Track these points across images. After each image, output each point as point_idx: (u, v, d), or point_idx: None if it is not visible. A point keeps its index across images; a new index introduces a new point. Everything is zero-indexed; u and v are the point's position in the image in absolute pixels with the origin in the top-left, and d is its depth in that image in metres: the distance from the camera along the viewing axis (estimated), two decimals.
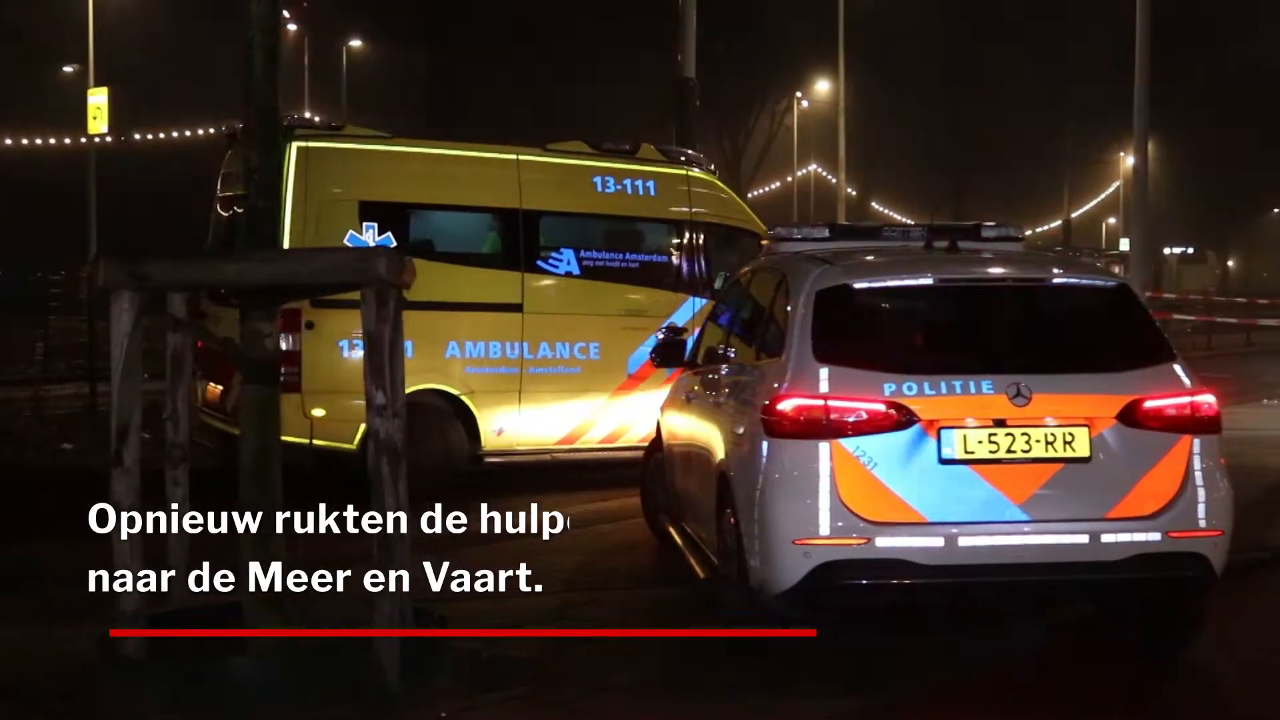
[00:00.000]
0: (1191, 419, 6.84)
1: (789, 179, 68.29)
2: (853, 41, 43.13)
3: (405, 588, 6.34)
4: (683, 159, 14.65)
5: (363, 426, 11.22)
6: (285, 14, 50.84)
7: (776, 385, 6.87)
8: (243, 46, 6.56)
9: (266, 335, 6.55)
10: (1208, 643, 7.79)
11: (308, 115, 12.16)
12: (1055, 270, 7.49)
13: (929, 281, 7.18)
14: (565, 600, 8.51)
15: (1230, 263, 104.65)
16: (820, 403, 6.63)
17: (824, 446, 6.57)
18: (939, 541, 6.52)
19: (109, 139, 41.71)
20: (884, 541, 6.50)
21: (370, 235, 12.22)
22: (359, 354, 10.88)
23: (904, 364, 6.76)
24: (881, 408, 6.58)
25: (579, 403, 13.18)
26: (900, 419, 6.57)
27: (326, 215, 12.14)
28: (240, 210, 12.29)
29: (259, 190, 6.55)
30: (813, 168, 69.14)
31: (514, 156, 13.44)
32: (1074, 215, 79.16)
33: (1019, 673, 7.22)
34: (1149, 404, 6.76)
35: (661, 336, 9.66)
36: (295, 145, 12.07)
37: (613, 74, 57.35)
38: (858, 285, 7.15)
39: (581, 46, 57.92)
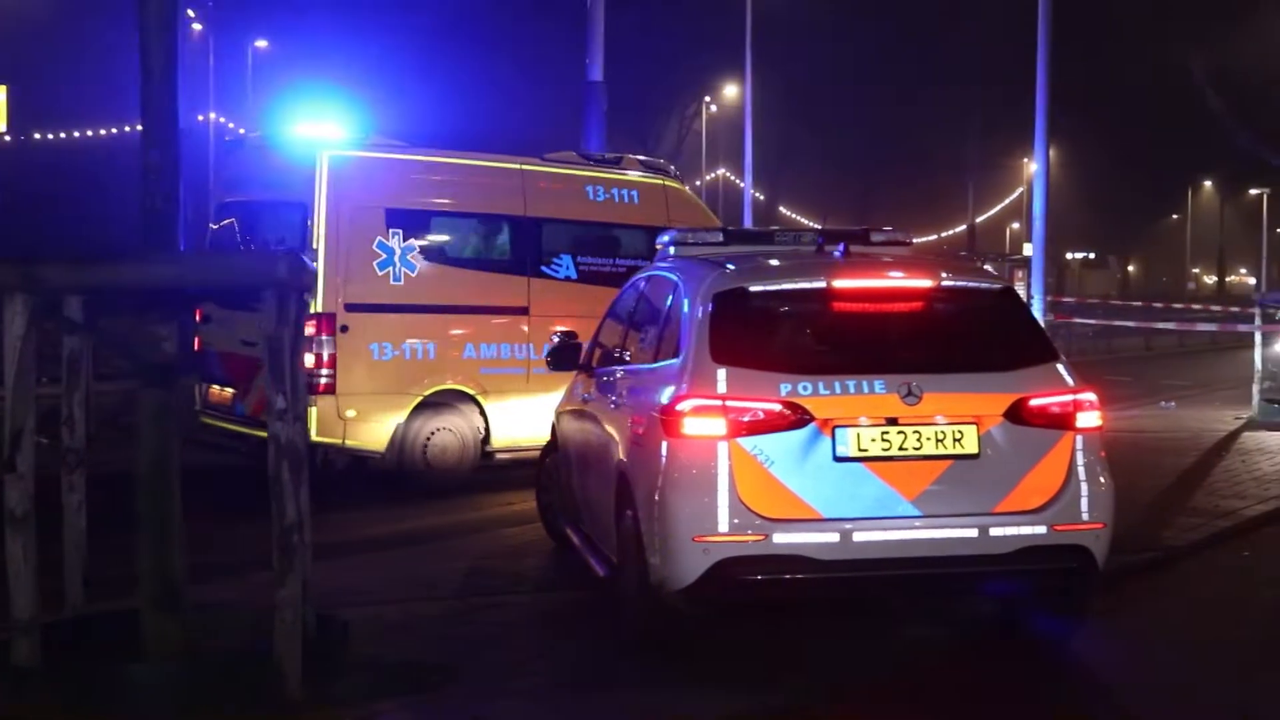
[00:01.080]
0: (1074, 416, 7.09)
1: (698, 183, 68.53)
2: (761, 46, 43.33)
3: (307, 594, 6.28)
4: (658, 170, 15.30)
5: (393, 428, 12.59)
6: (190, 13, 50.45)
7: (675, 387, 6.99)
8: (141, 45, 6.46)
9: (164, 339, 6.44)
10: (1101, 640, 7.93)
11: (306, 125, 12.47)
12: (943, 273, 7.62)
13: (823, 284, 7.35)
14: (470, 604, 8.47)
15: (1131, 267, 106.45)
16: (718, 403, 6.77)
17: (722, 446, 6.72)
18: (834, 537, 6.69)
19: (7, 138, 41.01)
20: (781, 538, 6.68)
21: (396, 241, 12.65)
22: (390, 356, 12.46)
23: (799, 365, 6.93)
24: (778, 407, 6.75)
25: None
26: (796, 418, 6.74)
27: (356, 222, 12.46)
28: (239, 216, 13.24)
29: (158, 192, 6.45)
30: (721, 172, 69.49)
31: (518, 166, 13.95)
32: (979, 220, 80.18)
33: (917, 669, 7.36)
34: (1034, 402, 6.99)
35: (556, 340, 9.69)
36: (326, 155, 12.41)
37: (530, 76, 57.26)
38: (753, 288, 7.34)
39: (493, 48, 57.79)
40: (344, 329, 12.19)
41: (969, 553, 6.84)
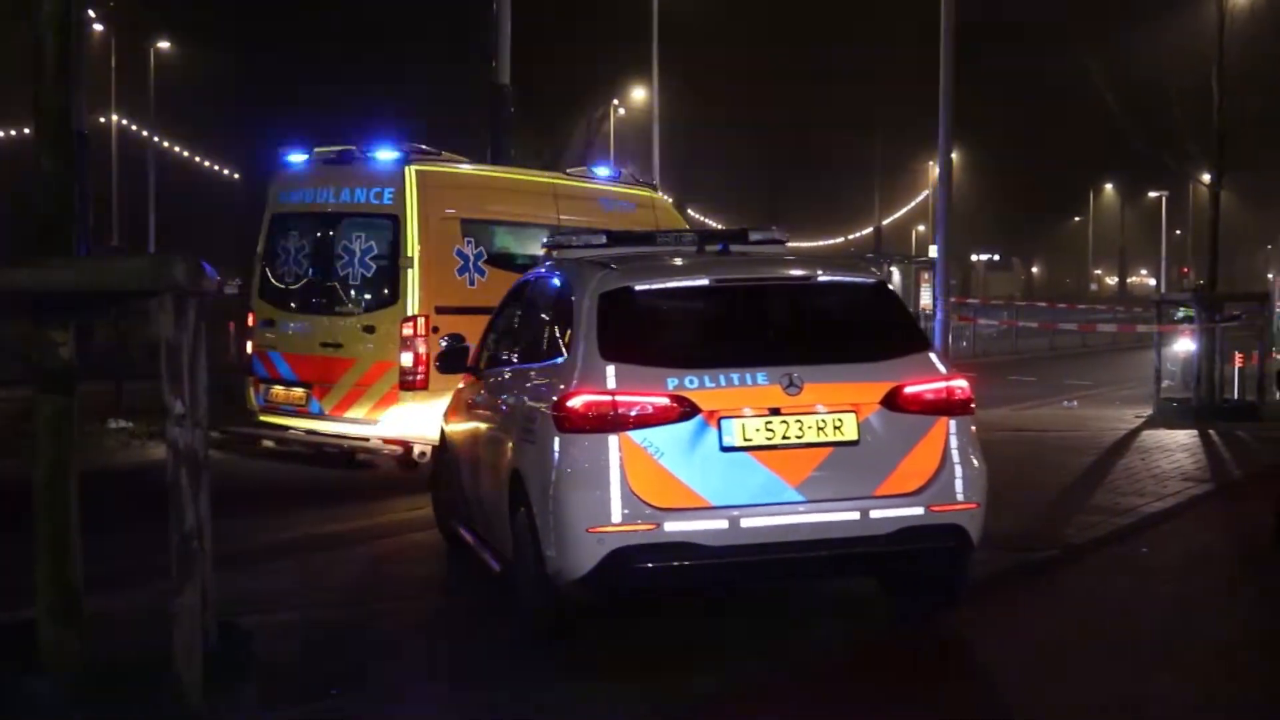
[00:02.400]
0: (947, 402, 7.42)
1: None
2: (667, 50, 43.44)
3: (207, 602, 6.20)
4: (645, 184, 17.16)
5: None
6: (91, 14, 49.68)
7: (565, 383, 7.23)
8: (34, 46, 6.34)
9: (61, 345, 6.33)
10: (1002, 637, 8.02)
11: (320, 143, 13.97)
12: (819, 269, 8.02)
13: (705, 282, 7.69)
14: (373, 610, 8.42)
15: (1035, 269, 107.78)
16: (608, 398, 7.01)
17: (613, 439, 6.95)
18: (723, 524, 6.94)
19: None
20: (672, 526, 6.89)
21: (469, 248, 13.85)
22: (460, 346, 12.78)
23: (685, 359, 7.17)
24: (665, 401, 6.98)
25: None
26: (683, 411, 6.98)
27: (440, 231, 13.54)
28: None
29: (52, 197, 6.34)
30: (628, 174, 69.54)
31: (550, 180, 15.61)
32: (885, 222, 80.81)
33: (811, 653, 7.59)
34: (909, 389, 7.32)
35: (445, 344, 9.97)
36: (414, 169, 13.56)
37: (430, 77, 56.96)
38: (638, 287, 7.60)
39: (397, 49, 57.42)
40: (434, 329, 12.93)
41: (851, 535, 7.13)
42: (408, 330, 13.10)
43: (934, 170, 25.25)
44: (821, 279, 7.91)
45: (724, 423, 7.00)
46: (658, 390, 7.01)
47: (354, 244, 13.92)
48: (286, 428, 14.10)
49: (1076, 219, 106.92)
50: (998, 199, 78.42)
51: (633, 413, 6.97)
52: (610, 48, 57.28)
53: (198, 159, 59.79)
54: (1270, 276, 57.18)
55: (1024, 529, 10.97)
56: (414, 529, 11.46)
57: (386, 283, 13.53)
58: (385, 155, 13.85)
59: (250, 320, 14.97)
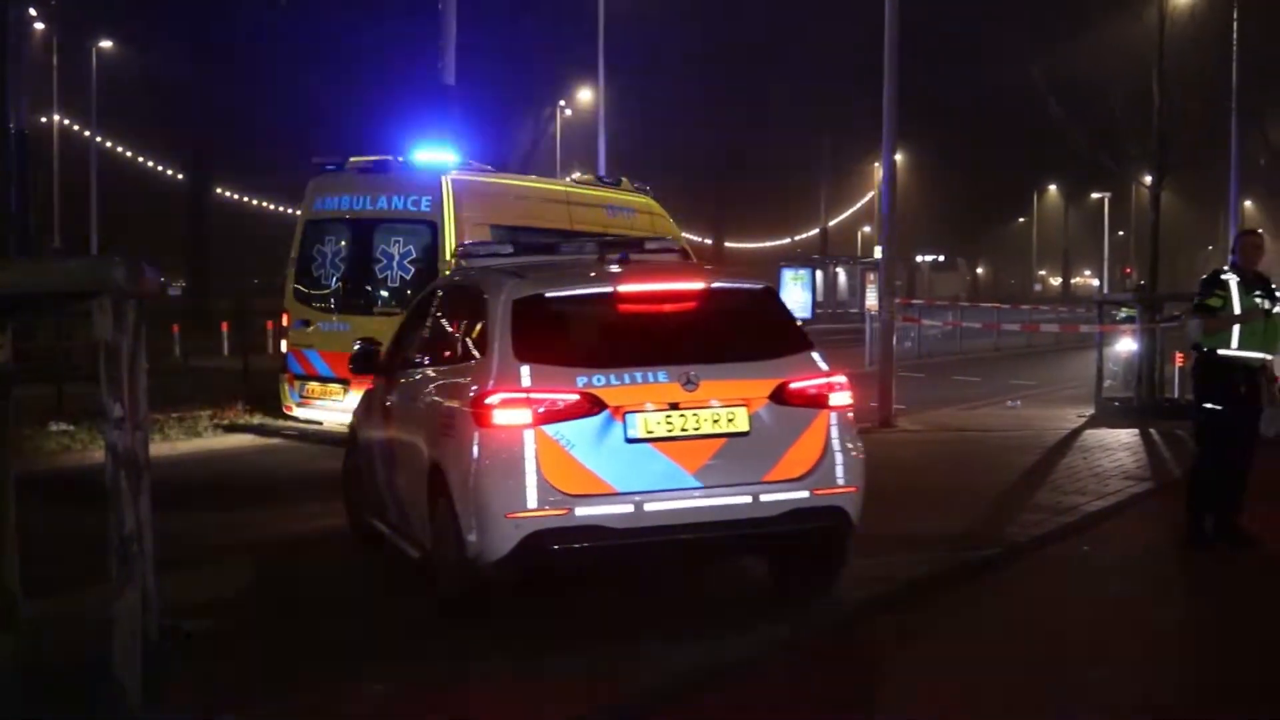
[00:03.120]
0: (828, 397, 8.04)
1: None
2: (614, 52, 43.44)
3: (147, 605, 6.17)
4: (642, 190, 18.16)
5: None
6: (32, 12, 49.18)
7: (482, 383, 7.73)
8: None
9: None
10: (943, 634, 8.08)
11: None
12: (713, 276, 8.70)
13: (610, 289, 8.24)
14: (312, 613, 8.39)
15: (980, 269, 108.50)
16: (523, 395, 7.54)
17: (528, 433, 7.47)
18: (629, 509, 7.51)
19: None
20: (582, 511, 7.46)
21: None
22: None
23: (592, 359, 7.76)
24: (575, 398, 7.54)
25: None
26: (591, 407, 7.54)
27: (472, 236, 14.06)
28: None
29: None
30: (576, 175, 69.50)
31: (564, 188, 16.86)
32: (832, 224, 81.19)
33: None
34: (794, 385, 7.94)
35: (358, 347, 10.30)
36: (450, 179, 14.73)
37: (377, 77, 56.73)
38: (548, 294, 8.16)
39: (342, 51, 57.20)
40: None
41: (744, 517, 7.75)
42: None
43: (880, 172, 25.56)
44: (715, 286, 8.50)
45: (628, 417, 7.56)
46: (568, 388, 7.55)
47: (392, 248, 14.87)
48: (320, 422, 15.19)
49: (1021, 220, 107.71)
50: (943, 200, 78.92)
51: (545, 409, 7.49)
52: (558, 49, 57.26)
53: (141, 159, 59.40)
54: None
55: (967, 528, 11.05)
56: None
57: (425, 284, 13.65)
58: (422, 165, 14.85)
59: (285, 320, 15.77)
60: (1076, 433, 18.16)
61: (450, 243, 14.17)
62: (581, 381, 7.57)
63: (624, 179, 17.82)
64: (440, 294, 9.68)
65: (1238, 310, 10.30)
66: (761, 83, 67.48)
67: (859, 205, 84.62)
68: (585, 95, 60.65)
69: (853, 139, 66.69)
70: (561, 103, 66.16)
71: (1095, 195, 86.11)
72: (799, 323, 8.72)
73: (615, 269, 8.56)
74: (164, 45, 54.25)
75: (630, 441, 7.54)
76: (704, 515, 7.65)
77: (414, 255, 14.75)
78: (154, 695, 6.13)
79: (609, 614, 8.34)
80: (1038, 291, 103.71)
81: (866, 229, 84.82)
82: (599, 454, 7.49)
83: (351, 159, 15.58)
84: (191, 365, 29.07)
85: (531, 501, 7.41)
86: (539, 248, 9.64)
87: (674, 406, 7.63)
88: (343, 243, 15.36)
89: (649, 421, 7.58)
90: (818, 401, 7.99)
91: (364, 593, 9.15)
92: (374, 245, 15.02)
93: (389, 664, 7.12)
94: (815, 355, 8.22)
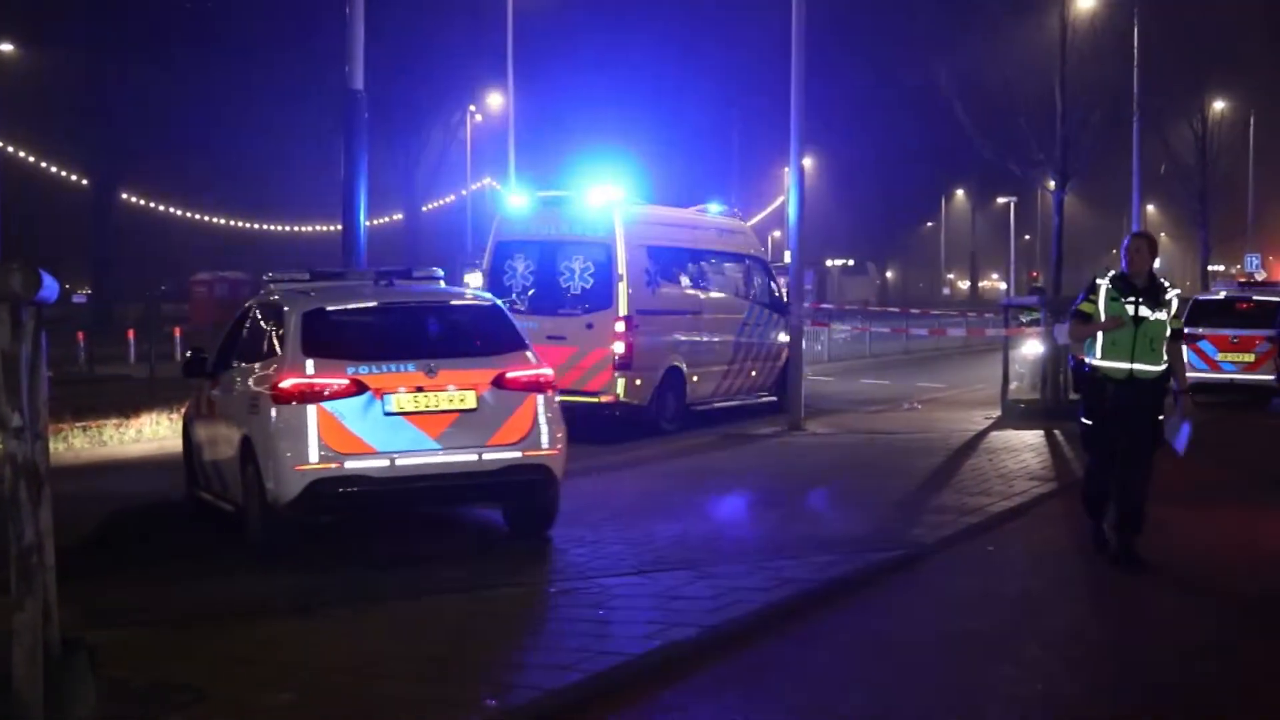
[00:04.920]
0: (535, 384, 10.66)
1: (463, 192, 68.18)
2: (525, 57, 43.41)
3: (50, 618, 6.09)
4: (733, 213, 23.10)
5: (651, 389, 18.82)
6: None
7: (280, 373, 10.30)
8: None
9: None
10: (847, 635, 8.16)
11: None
12: (453, 296, 12.08)
13: (374, 303, 11.17)
14: (222, 623, 8.31)
15: (889, 273, 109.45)
16: (307, 380, 10.11)
17: (310, 408, 10.03)
18: (385, 463, 10.09)
19: None
20: (350, 464, 10.04)
21: (652, 268, 19.12)
22: (651, 344, 18.68)
23: (359, 354, 10.32)
24: (345, 382, 10.10)
25: (724, 369, 20.68)
26: (357, 389, 10.08)
27: (635, 255, 18.71)
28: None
29: None
30: (487, 180, 69.27)
31: (690, 216, 21.14)
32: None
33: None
34: (509, 375, 10.55)
35: (188, 354, 12.61)
36: (618, 210, 18.72)
37: (283, 82, 56.33)
38: (329, 308, 10.89)
39: (246, 55, 56.76)
40: (634, 326, 18.42)
41: (471, 470, 10.36)
42: (620, 327, 18.38)
43: (789, 176, 25.79)
44: (453, 302, 11.77)
45: (385, 397, 10.13)
46: (340, 375, 10.11)
47: (574, 263, 18.81)
48: None
49: (929, 224, 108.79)
50: (853, 204, 79.47)
51: (322, 390, 10.04)
52: (468, 53, 57.08)
53: (44, 165, 58.40)
54: None
55: (874, 530, 11.16)
56: None
57: (601, 292, 18.52)
58: (597, 199, 18.86)
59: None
60: (983, 434, 18.38)
61: (621, 259, 18.39)
62: (350, 370, 10.13)
63: (724, 205, 22.84)
64: (254, 310, 11.87)
65: (1104, 317, 9.93)
66: (671, 85, 67.60)
67: (769, 209, 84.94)
68: (497, 100, 60.41)
69: (762, 143, 67.08)
70: (472, 107, 65.93)
71: (1001, 200, 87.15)
72: (519, 329, 11.27)
73: (382, 289, 11.31)
74: (66, 49, 53.50)
75: (387, 414, 10.11)
76: (442, 469, 10.27)
77: (592, 269, 18.70)
78: (57, 710, 6.06)
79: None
80: (946, 295, 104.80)
81: (776, 233, 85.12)
82: (363, 423, 10.05)
83: (539, 193, 20.07)
84: (97, 373, 28.64)
85: (313, 457, 9.95)
86: (332, 275, 12.04)
87: (420, 389, 10.20)
88: (531, 259, 19.21)
89: (400, 400, 10.15)
90: (527, 387, 10.61)
91: (285, 607, 9.08)
92: (558, 261, 18.94)
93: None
94: (529, 354, 10.87)
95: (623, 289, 18.36)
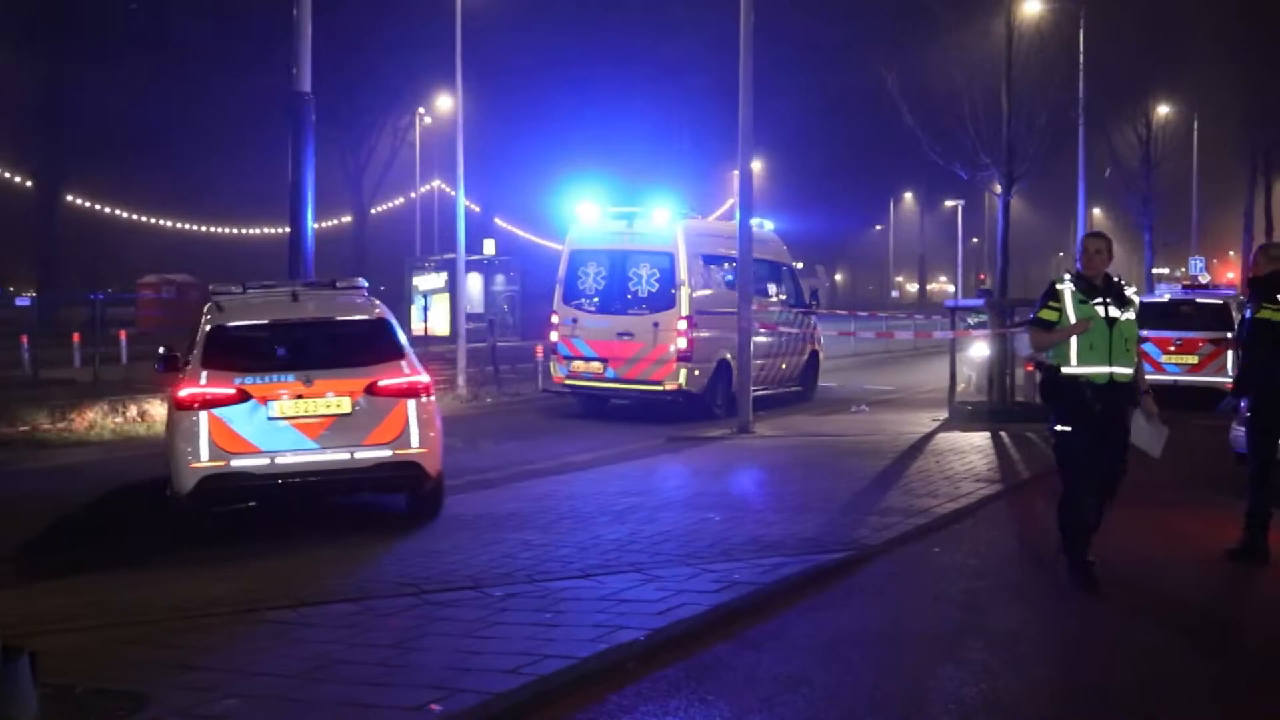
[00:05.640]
0: (408, 391, 11.94)
1: (412, 195, 67.99)
2: (474, 59, 43.21)
3: None
4: (772, 226, 26.97)
5: (707, 379, 21.88)
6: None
7: (181, 383, 11.75)
8: None
9: None
10: (793, 638, 8.18)
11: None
12: (341, 311, 12.85)
13: (266, 320, 12.56)
14: (164, 628, 8.26)
15: (838, 276, 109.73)
16: (200, 390, 11.50)
17: (203, 413, 11.43)
18: (267, 461, 11.48)
19: None
20: (237, 463, 11.42)
21: (706, 273, 22.54)
22: (706, 338, 21.69)
23: (247, 367, 11.73)
24: (233, 391, 11.50)
25: (762, 361, 22.94)
26: (243, 397, 11.48)
27: (695, 263, 22.10)
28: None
29: None
30: (436, 183, 69.09)
31: (734, 225, 21.78)
32: None
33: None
34: (381, 383, 11.87)
35: (161, 352, 13.47)
36: (680, 225, 22.13)
37: (230, 84, 56.00)
38: (229, 324, 12.30)
39: (194, 56, 56.41)
40: (694, 324, 21.62)
41: (345, 467, 11.72)
42: (683, 325, 21.63)
43: (738, 178, 25.81)
44: (339, 318, 12.77)
45: (269, 404, 11.51)
46: (229, 385, 11.51)
47: (641, 270, 22.10)
48: (582, 388, 22.65)
49: (878, 227, 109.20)
50: (801, 208, 79.62)
51: (211, 399, 11.43)
52: (416, 55, 56.85)
53: None
54: None
55: (821, 532, 11.21)
56: (206, 544, 11.26)
57: (665, 295, 21.79)
58: (661, 214, 22.07)
59: (555, 319, 22.76)
60: (930, 436, 18.49)
61: (683, 268, 21.68)
62: (238, 380, 11.53)
63: (767, 220, 26.76)
64: (202, 318, 12.69)
65: (1072, 320, 9.59)
66: (621, 88, 67.54)
67: (719, 212, 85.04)
68: (445, 102, 60.23)
69: (712, 146, 67.10)
70: (421, 110, 65.78)
71: (949, 203, 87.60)
72: (400, 341, 12.49)
73: (283, 304, 12.68)
74: (10, 48, 52.95)
75: (270, 419, 11.50)
76: (319, 466, 11.64)
77: (657, 275, 21.94)
78: None
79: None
80: (895, 298, 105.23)
81: None
82: (249, 427, 11.44)
83: (608, 209, 22.91)
84: (41, 377, 28.36)
85: (204, 456, 11.34)
86: (263, 286, 13.28)
87: (299, 397, 11.57)
88: (602, 266, 22.46)
89: (283, 406, 11.53)
90: (400, 394, 11.89)
91: (229, 613, 9.03)
92: (627, 268, 22.21)
93: None
94: (403, 364, 12.12)
95: (684, 293, 21.65)
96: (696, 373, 21.62)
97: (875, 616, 8.87)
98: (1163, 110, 56.21)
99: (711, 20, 40.14)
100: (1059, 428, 9.67)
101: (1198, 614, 9.13)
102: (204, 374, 11.56)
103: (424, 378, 12.09)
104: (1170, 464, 10.74)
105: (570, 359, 22.36)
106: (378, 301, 13.12)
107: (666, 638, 8.09)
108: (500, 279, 51.63)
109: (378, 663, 7.43)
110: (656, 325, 21.63)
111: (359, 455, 11.70)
